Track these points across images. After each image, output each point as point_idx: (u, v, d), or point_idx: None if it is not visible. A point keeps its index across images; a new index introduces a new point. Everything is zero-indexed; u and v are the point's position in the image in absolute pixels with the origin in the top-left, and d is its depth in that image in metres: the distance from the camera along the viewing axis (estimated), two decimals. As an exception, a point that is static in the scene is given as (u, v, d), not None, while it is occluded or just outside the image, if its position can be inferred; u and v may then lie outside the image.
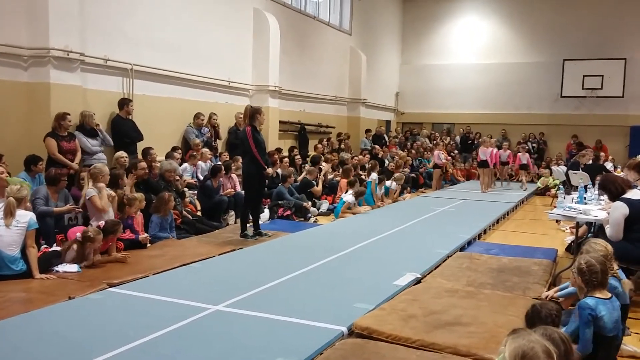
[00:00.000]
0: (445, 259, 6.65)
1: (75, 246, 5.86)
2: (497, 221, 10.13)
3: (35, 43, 7.72)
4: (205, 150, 10.36)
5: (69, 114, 7.75)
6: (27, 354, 3.61)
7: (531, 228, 9.90)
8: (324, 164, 12.76)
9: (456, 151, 19.21)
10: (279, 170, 11.04)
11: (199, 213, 8.94)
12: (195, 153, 10.06)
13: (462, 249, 7.43)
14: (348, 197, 10.33)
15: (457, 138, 20.35)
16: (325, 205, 11.08)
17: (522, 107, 20.48)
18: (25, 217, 5.49)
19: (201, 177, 9.82)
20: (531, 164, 16.71)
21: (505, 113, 20.64)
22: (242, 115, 11.07)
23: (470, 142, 19.87)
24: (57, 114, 7.66)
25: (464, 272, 6.02)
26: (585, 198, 7.21)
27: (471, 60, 21.44)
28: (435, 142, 18.55)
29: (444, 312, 4.52)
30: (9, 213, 5.43)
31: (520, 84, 20.45)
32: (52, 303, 4.65)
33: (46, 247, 6.04)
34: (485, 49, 21.32)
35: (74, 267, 5.67)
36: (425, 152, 17.46)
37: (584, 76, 19.24)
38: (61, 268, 5.64)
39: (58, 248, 5.94)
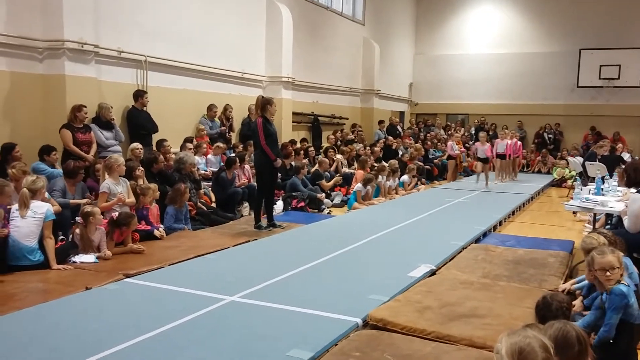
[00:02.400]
0: (460, 251, 6.62)
1: (77, 230, 5.88)
2: (513, 213, 10.06)
3: (50, 35, 7.76)
4: (217, 144, 10.33)
5: (84, 106, 7.79)
6: (45, 344, 3.65)
7: (547, 220, 9.81)
8: (338, 155, 12.75)
9: (471, 142, 19.06)
10: (293, 162, 11.03)
11: (213, 204, 8.97)
12: (202, 142, 10.04)
13: (477, 240, 7.38)
14: (357, 186, 10.33)
15: (472, 129, 20.19)
16: (339, 196, 11.07)
17: (538, 97, 20.26)
18: (42, 208, 5.54)
19: (214, 170, 9.80)
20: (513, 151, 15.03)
21: (520, 103, 20.44)
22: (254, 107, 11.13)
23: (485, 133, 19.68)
24: (73, 106, 7.71)
25: (479, 264, 5.98)
26: (602, 189, 7.12)
27: (486, 50, 21.22)
28: (449, 133, 18.43)
29: (459, 304, 4.50)
30: (23, 204, 5.49)
31: (536, 74, 20.21)
32: (69, 293, 4.70)
33: (63, 239, 6.10)
34: (500, 38, 21.08)
35: (90, 258, 5.71)
36: (439, 143, 17.36)
37: (600, 66, 18.97)
38: (78, 259, 5.68)
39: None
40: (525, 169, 17.99)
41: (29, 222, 5.44)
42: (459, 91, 21.35)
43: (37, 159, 7.16)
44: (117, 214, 6.32)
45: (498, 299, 4.70)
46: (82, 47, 7.95)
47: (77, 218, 5.98)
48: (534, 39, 20.56)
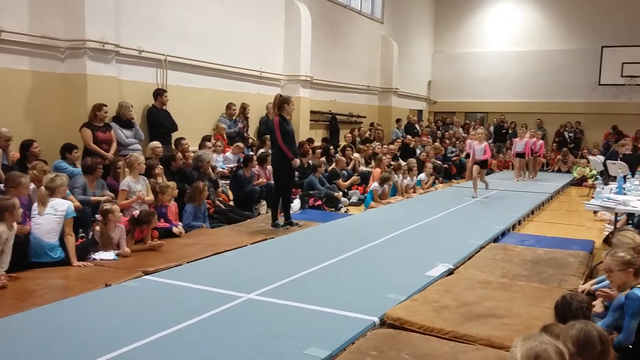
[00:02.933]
0: (479, 250, 6.57)
1: (97, 227, 5.97)
2: (532, 212, 9.95)
3: (71, 35, 7.86)
4: (237, 144, 10.38)
5: (105, 105, 7.88)
6: (65, 340, 3.70)
7: (567, 219, 9.69)
8: (355, 154, 12.74)
9: (490, 141, 18.90)
10: (310, 161, 11.04)
11: (231, 203, 9.02)
12: (220, 141, 10.09)
13: (495, 240, 7.33)
14: (374, 185, 10.30)
15: (491, 127, 20.02)
16: (356, 195, 11.05)
17: (558, 95, 19.98)
18: (63, 205, 5.62)
19: (228, 168, 9.85)
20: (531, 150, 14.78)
21: (540, 102, 20.19)
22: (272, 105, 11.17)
23: (504, 131, 19.52)
24: (94, 105, 7.81)
25: (497, 264, 5.94)
26: (624, 188, 7.02)
27: (505, 48, 21.00)
28: (468, 131, 18.30)
29: (478, 304, 4.47)
30: (41, 202, 5.59)
31: (556, 71, 19.94)
32: (89, 290, 4.77)
33: (84, 236, 6.19)
34: (520, 36, 20.84)
35: (110, 255, 5.79)
36: (458, 142, 17.24)
37: (623, 63, 18.63)
38: (98, 256, 5.76)
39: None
40: (545, 168, 17.78)
41: (49, 220, 5.52)
42: (478, 89, 21.16)
43: (58, 157, 7.27)
44: (137, 212, 6.39)
45: (517, 299, 4.66)
46: (103, 46, 8.04)
47: (97, 216, 6.06)
48: (554, 36, 20.29)
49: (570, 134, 19.30)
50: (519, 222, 8.88)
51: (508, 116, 20.21)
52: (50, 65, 7.83)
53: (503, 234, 7.74)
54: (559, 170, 17.64)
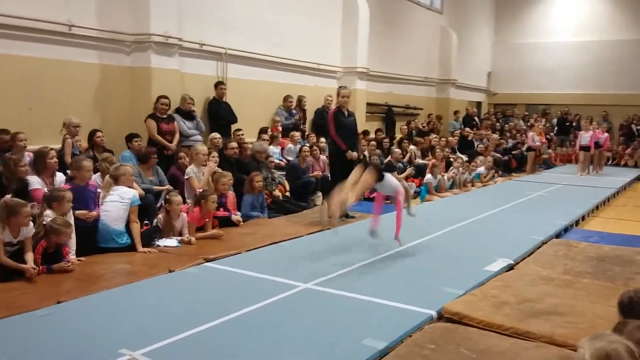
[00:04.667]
0: (540, 246, 6.40)
1: (161, 215, 6.20)
2: (597, 208, 9.58)
3: (137, 29, 8.13)
4: (293, 132, 10.50)
5: (167, 97, 8.12)
6: (130, 323, 3.86)
7: (634, 215, 9.27)
8: (411, 146, 12.62)
9: (552, 134, 18.31)
10: (365, 153, 11.02)
11: (287, 193, 9.13)
12: (276, 133, 10.22)
13: (558, 235, 7.11)
14: (427, 177, 10.18)
15: (554, 120, 19.37)
16: (412, 188, 10.92)
17: (625, 87, 19.08)
18: (129, 193, 5.86)
19: (290, 159, 9.99)
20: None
21: (606, 93, 19.34)
22: (330, 98, 11.23)
23: (568, 124, 18.84)
24: (157, 97, 8.06)
25: (560, 260, 5.76)
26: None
27: (570, 38, 20.23)
28: (529, 123, 17.78)
29: (539, 301, 4.36)
30: (105, 189, 5.88)
31: (623, 62, 19.06)
32: (153, 275, 4.95)
33: (148, 223, 6.43)
34: (585, 25, 20.02)
35: (173, 242, 5.99)
36: (518, 134, 16.79)
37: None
38: (162, 242, 5.97)
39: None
40: (610, 162, 17.07)
41: (116, 207, 5.76)
42: (541, 80, 20.49)
43: (125, 146, 7.56)
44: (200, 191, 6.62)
45: (580, 297, 4.52)
46: (167, 40, 8.29)
47: (162, 203, 6.30)
48: (621, 26, 19.38)
49: (638, 127, 18.41)
50: (583, 218, 8.58)
51: (572, 108, 19.50)
52: (117, 58, 8.14)
53: (566, 229, 7.51)
54: (625, 165, 16.89)
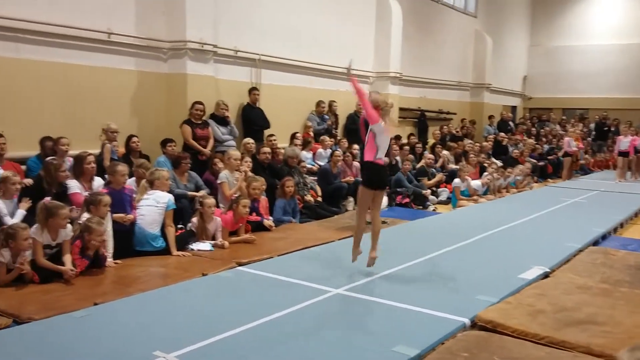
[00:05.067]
0: (577, 254, 6.26)
1: (195, 219, 6.29)
2: (635, 215, 9.32)
3: (173, 36, 8.29)
4: (324, 137, 10.52)
5: (202, 103, 8.24)
6: (165, 326, 3.92)
7: (677, 224, 9.00)
8: (444, 151, 12.51)
9: (589, 138, 17.90)
10: (398, 157, 10.98)
11: (319, 199, 9.15)
12: (308, 139, 10.25)
13: (595, 243, 6.95)
14: (455, 181, 10.09)
15: (592, 125, 18.92)
16: (445, 193, 10.85)
17: (666, 91, 18.58)
18: (164, 198, 5.97)
19: (321, 164, 10.01)
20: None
21: (647, 98, 18.86)
22: (362, 103, 11.17)
23: (606, 129, 18.38)
24: (193, 103, 8.19)
25: (597, 268, 5.63)
26: None
27: (609, 41, 19.78)
28: (566, 128, 17.43)
29: (576, 310, 4.26)
30: (141, 193, 6.01)
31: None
32: (187, 279, 5.01)
33: (182, 227, 6.53)
34: (624, 27, 19.56)
35: (206, 246, 6.07)
36: (555, 139, 16.46)
37: None
38: (195, 246, 6.05)
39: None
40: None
41: (152, 211, 5.87)
42: (578, 84, 20.08)
43: (160, 151, 7.71)
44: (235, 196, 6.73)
45: (619, 306, 4.40)
46: (202, 47, 8.42)
47: (197, 207, 6.39)
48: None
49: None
50: (621, 225, 8.37)
51: (610, 113, 19.02)
52: (154, 65, 8.31)
53: (603, 237, 7.33)
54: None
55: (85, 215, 5.27)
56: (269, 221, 7.18)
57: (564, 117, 19.71)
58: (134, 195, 6.10)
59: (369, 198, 5.21)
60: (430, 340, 3.68)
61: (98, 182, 6.19)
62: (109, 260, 5.36)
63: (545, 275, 5.36)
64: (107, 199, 5.40)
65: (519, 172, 11.80)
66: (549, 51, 21.05)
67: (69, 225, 5.06)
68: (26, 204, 5.55)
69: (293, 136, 9.96)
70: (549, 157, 15.15)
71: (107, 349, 3.50)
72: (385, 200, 9.49)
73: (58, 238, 4.96)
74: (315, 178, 9.59)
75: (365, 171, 5.51)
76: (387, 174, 5.73)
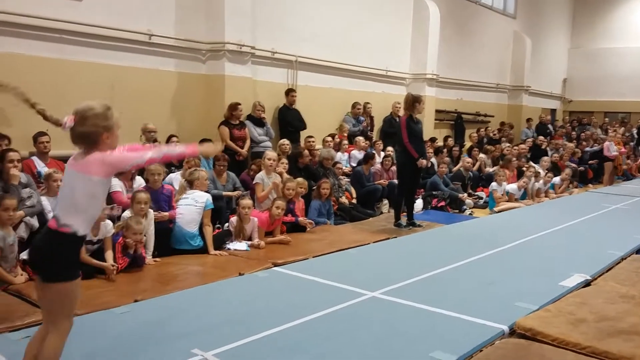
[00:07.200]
0: (619, 262, 6.08)
1: (233, 219, 6.36)
2: (682, 223, 9.01)
3: (212, 38, 8.40)
4: (360, 138, 10.49)
5: (240, 104, 8.33)
6: (202, 323, 3.96)
7: None
8: (481, 155, 12.33)
9: (632, 143, 17.37)
10: (434, 160, 10.87)
11: (354, 200, 9.13)
12: (344, 141, 10.24)
13: (638, 251, 6.74)
14: (492, 185, 9.93)
15: (634, 130, 18.38)
16: (482, 197, 10.69)
17: None
18: (203, 197, 6.05)
19: (351, 166, 9.98)
20: None
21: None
22: (399, 105, 11.13)
23: (649, 133, 17.84)
24: (230, 104, 8.28)
25: (641, 277, 5.46)
26: None
27: (655, 43, 19.20)
28: (608, 132, 16.96)
29: (619, 319, 4.14)
30: (180, 193, 6.12)
31: None
32: (224, 278, 5.08)
33: (219, 227, 6.61)
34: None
35: (243, 246, 6.13)
36: (596, 143, 16.05)
37: None
38: (232, 246, 6.13)
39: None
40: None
41: (191, 210, 5.97)
42: (620, 87, 19.55)
43: (198, 152, 7.81)
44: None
45: (664, 317, 4.26)
46: (241, 48, 8.51)
47: (236, 207, 6.47)
48: None
49: None
50: (667, 234, 8.10)
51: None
52: (193, 66, 8.43)
53: (647, 245, 7.11)
54: None
55: (127, 214, 5.39)
56: (305, 220, 7.18)
57: (606, 119, 19.19)
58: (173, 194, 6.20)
59: None
60: (469, 347, 3.64)
61: (139, 182, 6.31)
62: (149, 258, 5.46)
63: (587, 284, 5.23)
64: (142, 196, 5.47)
65: (566, 176, 11.53)
66: (590, 53, 20.55)
67: (109, 222, 5.18)
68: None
69: (327, 137, 9.96)
70: (590, 162, 14.78)
71: (146, 345, 3.57)
72: (420, 203, 9.43)
73: (99, 234, 5.08)
74: (349, 180, 9.58)
75: None
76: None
